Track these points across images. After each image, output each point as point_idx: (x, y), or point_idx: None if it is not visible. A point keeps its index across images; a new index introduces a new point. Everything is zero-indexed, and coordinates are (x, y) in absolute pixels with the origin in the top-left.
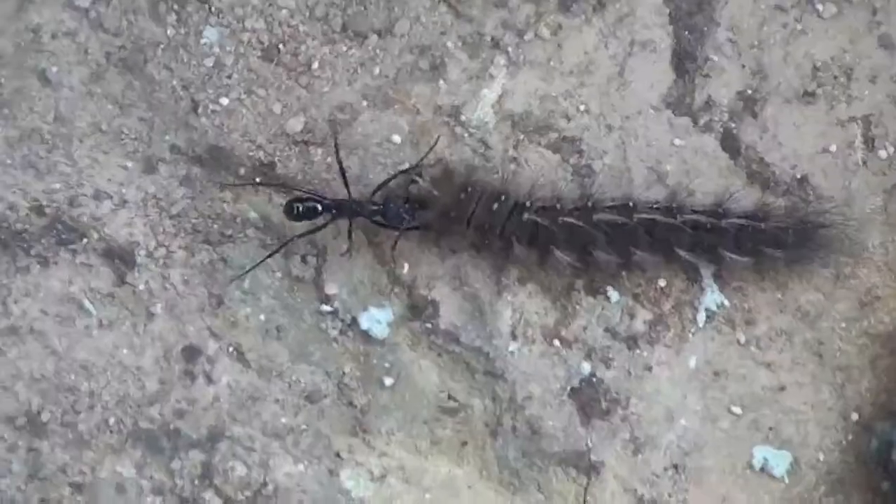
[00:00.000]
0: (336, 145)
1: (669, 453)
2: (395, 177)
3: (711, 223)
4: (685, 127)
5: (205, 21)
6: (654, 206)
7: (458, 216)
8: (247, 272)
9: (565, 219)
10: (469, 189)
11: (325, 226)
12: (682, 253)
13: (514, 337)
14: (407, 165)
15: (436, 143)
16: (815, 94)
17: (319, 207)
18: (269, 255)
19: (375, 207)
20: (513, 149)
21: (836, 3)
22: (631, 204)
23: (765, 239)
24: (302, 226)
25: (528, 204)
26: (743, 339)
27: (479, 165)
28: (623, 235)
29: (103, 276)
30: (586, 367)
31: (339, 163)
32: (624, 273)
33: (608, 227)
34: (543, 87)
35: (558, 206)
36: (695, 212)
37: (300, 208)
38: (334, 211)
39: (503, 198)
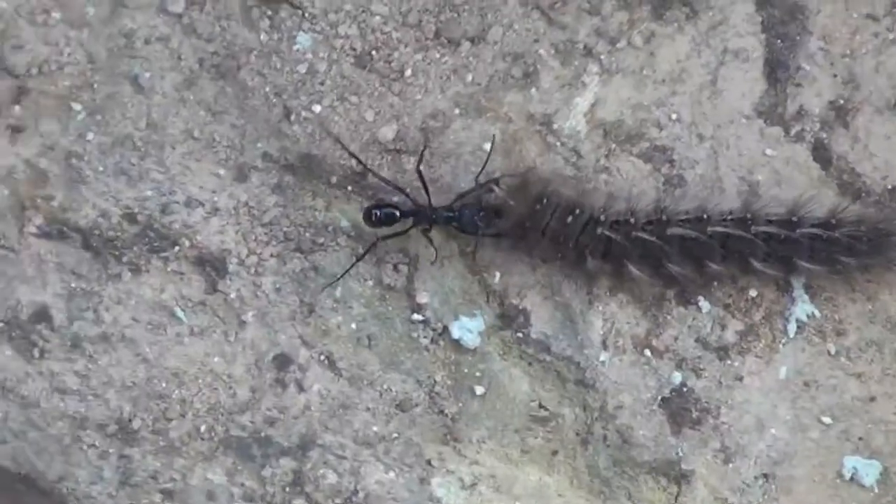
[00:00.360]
0: (422, 154)
1: (759, 462)
2: (479, 187)
3: (785, 234)
4: (777, 136)
5: (298, 27)
6: (728, 217)
7: (533, 227)
8: (338, 279)
9: (638, 234)
10: (545, 200)
11: (406, 231)
12: (756, 264)
13: (605, 346)
14: (498, 174)
15: (493, 145)
16: None
17: (397, 213)
18: (358, 260)
19: (451, 214)
20: (604, 158)
21: None
22: (705, 216)
23: (839, 248)
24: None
25: (602, 218)
26: (833, 350)
27: (556, 176)
28: (697, 249)
29: (195, 284)
30: (677, 377)
31: (419, 171)
32: (705, 285)
33: (681, 241)
34: (636, 95)
35: (632, 219)
36: (769, 222)
37: (378, 214)
38: (412, 217)
39: (578, 211)
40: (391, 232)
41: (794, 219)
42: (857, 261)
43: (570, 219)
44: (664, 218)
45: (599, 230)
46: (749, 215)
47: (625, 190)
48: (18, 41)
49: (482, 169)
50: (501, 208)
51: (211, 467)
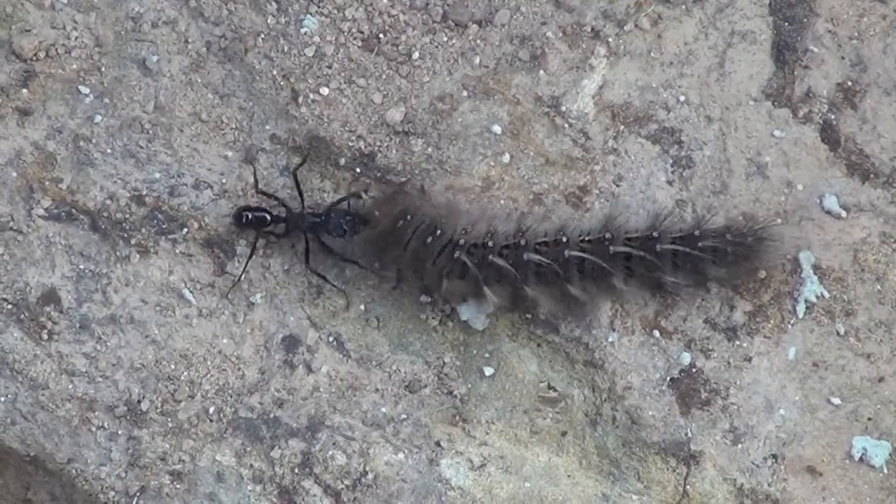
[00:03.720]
0: (304, 159)
1: (768, 443)
2: (346, 198)
3: (645, 252)
4: (785, 118)
5: (305, 10)
6: (587, 238)
7: (395, 242)
8: (236, 282)
9: (494, 259)
10: (408, 217)
11: (282, 236)
12: (617, 284)
13: (613, 327)
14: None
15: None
16: None
17: (268, 217)
18: (248, 260)
19: (318, 219)
20: (612, 140)
21: None
22: (564, 239)
23: (703, 259)
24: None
25: (461, 241)
26: (842, 330)
27: (428, 194)
28: (553, 274)
29: (203, 266)
30: (686, 358)
31: (295, 175)
32: (568, 308)
33: (538, 266)
34: (643, 77)
35: (490, 243)
36: (628, 241)
37: (249, 217)
38: (283, 222)
39: (438, 232)
40: (265, 234)
41: (655, 234)
42: (724, 271)
43: (429, 239)
44: (522, 242)
45: (457, 253)
46: (608, 235)
47: (504, 209)
48: (26, 25)
49: (349, 184)
50: (368, 216)
51: (220, 449)
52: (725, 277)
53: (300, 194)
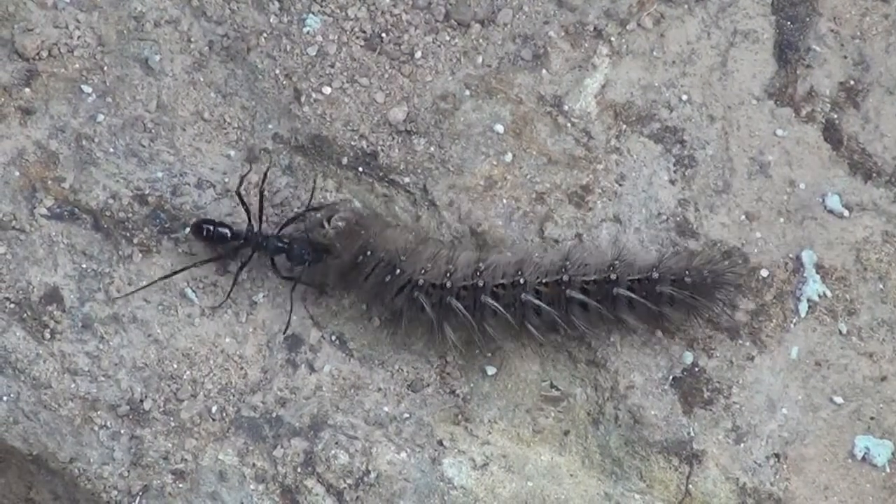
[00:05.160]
0: (264, 175)
1: (771, 442)
2: (302, 214)
3: (601, 297)
4: (787, 117)
5: (307, 9)
6: (544, 281)
7: (354, 277)
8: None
9: (452, 301)
10: (368, 253)
11: (231, 254)
12: (576, 322)
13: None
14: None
15: (314, 183)
16: None
17: (228, 233)
18: (193, 266)
19: (281, 244)
20: (615, 139)
21: None
22: (522, 280)
23: (660, 300)
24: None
25: (420, 282)
26: (844, 330)
27: (391, 225)
28: (513, 314)
29: (206, 265)
30: (688, 357)
31: (261, 192)
32: (526, 345)
33: (494, 310)
34: (646, 76)
35: (448, 283)
36: (584, 284)
37: (209, 230)
38: (243, 240)
39: (397, 271)
40: (223, 250)
41: (613, 276)
42: (681, 313)
43: (388, 277)
44: (480, 283)
45: (415, 293)
46: (565, 277)
47: (463, 248)
48: (28, 24)
49: (311, 196)
50: (330, 248)
51: (222, 448)
52: (683, 320)
53: (260, 212)
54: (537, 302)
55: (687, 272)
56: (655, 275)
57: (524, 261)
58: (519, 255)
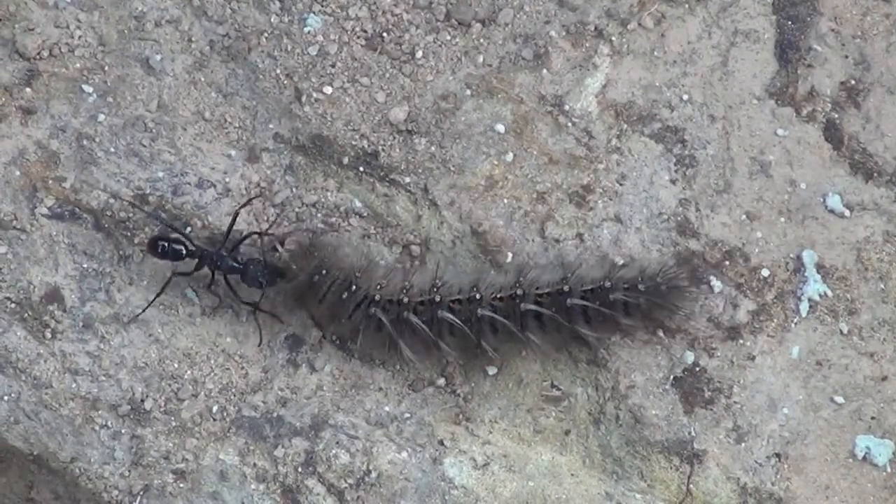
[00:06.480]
0: (248, 202)
1: (772, 442)
2: (249, 236)
3: (554, 310)
4: (788, 117)
5: (308, 9)
6: (499, 296)
7: (311, 297)
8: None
9: (409, 316)
10: (324, 272)
11: (193, 272)
12: (531, 337)
13: None
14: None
15: (282, 209)
16: None
17: (184, 251)
18: (156, 296)
19: (237, 265)
20: (616, 139)
21: None
22: (478, 296)
23: (615, 311)
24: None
25: (376, 297)
26: (845, 329)
27: (345, 245)
28: (468, 329)
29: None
30: (689, 357)
31: (237, 213)
32: (490, 362)
33: (451, 325)
34: (647, 76)
35: (405, 299)
36: (538, 297)
37: (165, 247)
38: (197, 258)
39: (354, 288)
40: (178, 268)
41: (566, 288)
42: (637, 321)
43: (345, 294)
44: (437, 299)
45: (372, 309)
46: (520, 292)
47: (389, 268)
48: (29, 24)
49: (273, 221)
50: (284, 269)
51: (223, 447)
52: (638, 327)
53: (227, 233)
54: (493, 314)
55: (640, 280)
56: (608, 283)
57: (480, 278)
58: (475, 274)
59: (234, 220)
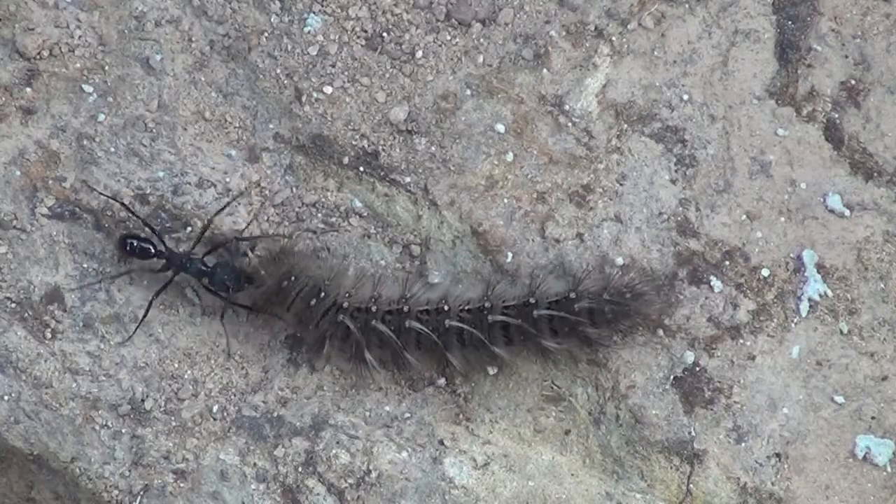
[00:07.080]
0: (226, 205)
1: (772, 442)
2: (226, 243)
3: (521, 321)
4: (788, 117)
5: (308, 9)
6: (466, 308)
7: (279, 303)
8: (142, 319)
9: (377, 324)
10: (292, 278)
11: (160, 271)
12: (497, 350)
13: None
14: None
15: (252, 217)
16: None
17: (152, 250)
18: (156, 295)
19: (204, 269)
20: (616, 138)
21: None
22: (446, 307)
23: (580, 320)
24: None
25: (345, 305)
26: (845, 329)
27: (313, 254)
28: (434, 342)
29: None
30: (689, 357)
31: (209, 222)
32: (462, 372)
33: (418, 334)
34: (647, 76)
35: (373, 308)
36: (505, 308)
37: (133, 245)
38: (165, 259)
39: (322, 294)
40: (147, 266)
41: (532, 300)
42: (603, 330)
43: (313, 301)
44: (405, 309)
45: (340, 317)
46: (487, 304)
47: (358, 275)
48: (29, 24)
49: (245, 228)
50: (253, 275)
51: (223, 447)
52: (605, 337)
53: (198, 238)
54: (461, 325)
55: (605, 289)
56: (573, 294)
57: (448, 292)
58: (443, 288)
59: (208, 223)
